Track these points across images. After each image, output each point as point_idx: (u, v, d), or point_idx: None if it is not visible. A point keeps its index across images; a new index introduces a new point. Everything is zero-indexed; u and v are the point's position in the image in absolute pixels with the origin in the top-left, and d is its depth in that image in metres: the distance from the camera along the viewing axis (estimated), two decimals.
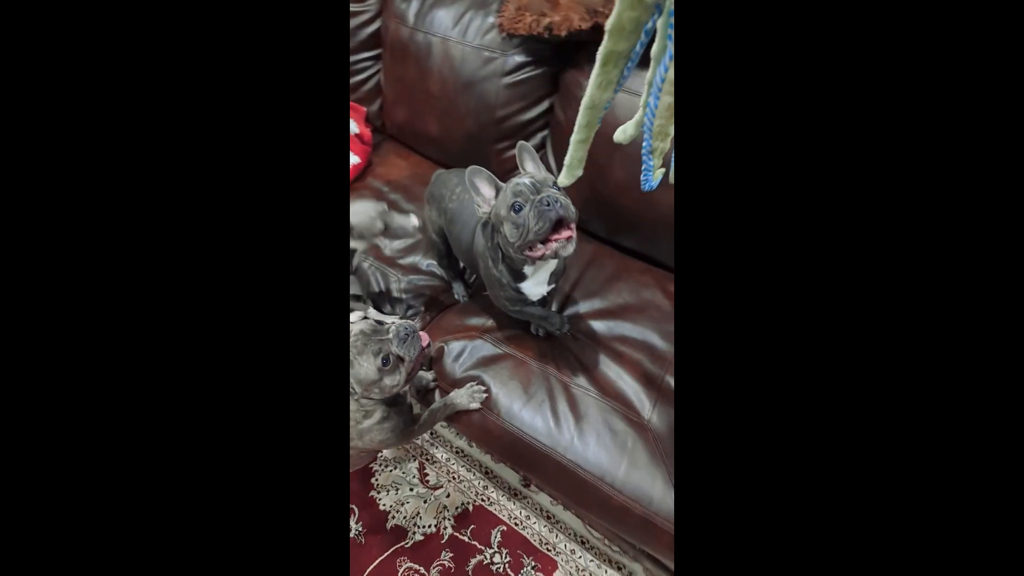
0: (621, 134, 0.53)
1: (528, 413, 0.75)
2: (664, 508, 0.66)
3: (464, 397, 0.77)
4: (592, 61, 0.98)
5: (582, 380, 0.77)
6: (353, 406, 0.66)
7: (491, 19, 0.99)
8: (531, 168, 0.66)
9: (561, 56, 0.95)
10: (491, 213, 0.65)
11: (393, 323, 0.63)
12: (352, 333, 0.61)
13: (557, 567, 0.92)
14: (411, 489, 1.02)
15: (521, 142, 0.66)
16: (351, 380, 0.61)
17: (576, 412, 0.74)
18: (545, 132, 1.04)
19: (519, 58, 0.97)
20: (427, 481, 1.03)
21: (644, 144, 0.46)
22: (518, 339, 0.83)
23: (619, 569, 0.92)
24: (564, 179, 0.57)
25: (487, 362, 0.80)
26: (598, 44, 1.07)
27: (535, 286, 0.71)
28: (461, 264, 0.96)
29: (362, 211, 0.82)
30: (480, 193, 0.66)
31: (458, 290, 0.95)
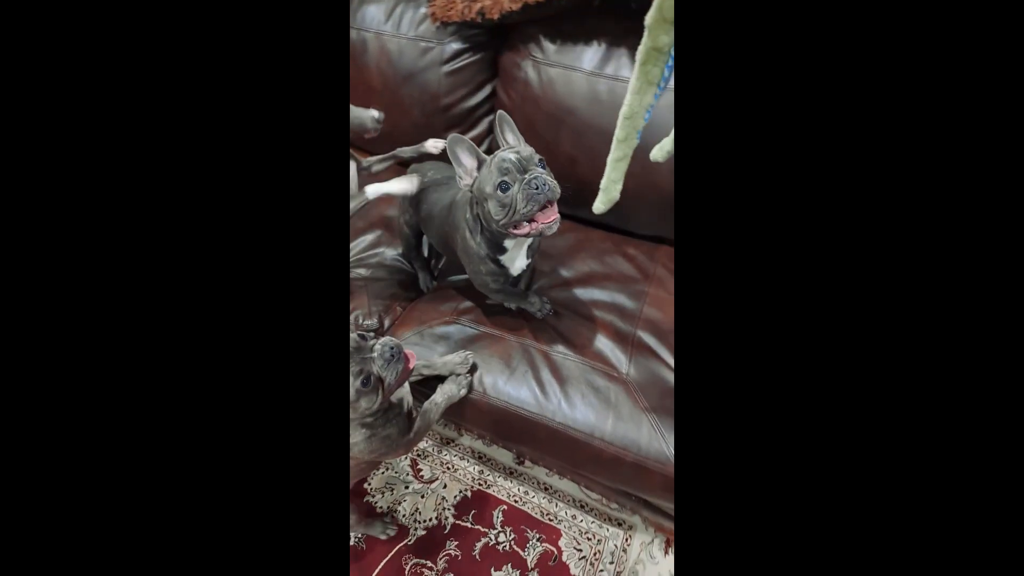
0: (659, 152, 0.50)
1: (513, 386, 0.78)
2: (652, 451, 0.71)
3: (452, 388, 0.77)
4: (526, 41, 1.01)
5: (560, 346, 0.80)
6: None
7: (423, 10, 1.00)
8: (511, 139, 0.66)
9: (497, 39, 0.98)
10: (473, 186, 0.65)
11: (377, 340, 0.60)
12: None
13: (561, 534, 0.96)
14: (406, 487, 1.02)
15: (500, 112, 0.66)
16: None
17: (559, 377, 0.77)
18: (491, 116, 1.07)
19: (456, 45, 0.99)
20: (421, 476, 1.04)
21: None
22: (493, 317, 0.85)
23: (619, 525, 0.97)
24: (599, 205, 0.52)
25: (465, 344, 0.82)
26: (532, 24, 1.10)
27: (515, 259, 0.73)
28: (426, 253, 0.98)
29: None
30: (461, 164, 0.64)
31: (424, 280, 0.96)
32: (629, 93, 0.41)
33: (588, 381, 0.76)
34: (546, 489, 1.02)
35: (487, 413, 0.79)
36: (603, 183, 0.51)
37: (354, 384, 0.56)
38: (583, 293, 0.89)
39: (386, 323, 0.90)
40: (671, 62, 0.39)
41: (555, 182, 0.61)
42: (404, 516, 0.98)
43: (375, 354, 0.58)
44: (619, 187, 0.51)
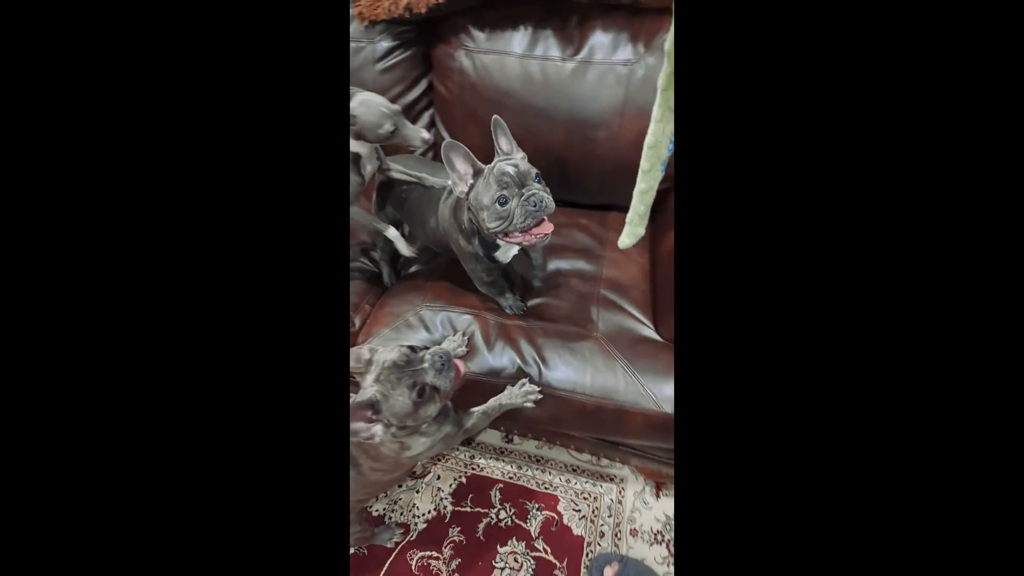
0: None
1: (493, 359, 0.82)
2: (629, 396, 0.77)
3: (518, 397, 0.78)
4: (456, 32, 1.05)
5: (531, 316, 0.86)
6: (393, 445, 0.64)
7: (349, 10, 1.02)
8: (505, 145, 0.69)
9: (426, 33, 1.02)
10: (469, 194, 0.67)
11: (427, 351, 0.63)
12: (385, 365, 0.60)
13: (559, 500, 1.01)
14: (400, 486, 1.03)
15: (495, 116, 0.68)
16: (386, 414, 0.59)
17: (535, 344, 0.82)
18: (431, 111, 1.11)
19: (386, 43, 1.02)
20: (413, 472, 1.05)
21: None
22: (462, 298, 0.89)
23: (612, 480, 1.04)
24: (625, 240, 0.52)
25: (443, 327, 0.85)
26: (460, 15, 1.16)
27: (508, 251, 0.77)
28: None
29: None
30: (456, 170, 0.66)
31: (388, 276, 0.99)
32: (652, 122, 0.41)
33: (563, 342, 0.82)
34: (537, 461, 1.07)
35: (472, 390, 0.82)
36: (629, 216, 0.51)
37: (411, 396, 0.59)
38: (547, 265, 0.94)
39: (357, 322, 0.92)
40: None
41: (551, 198, 0.65)
42: (402, 514, 1.00)
43: (426, 365, 0.61)
44: (646, 221, 0.50)
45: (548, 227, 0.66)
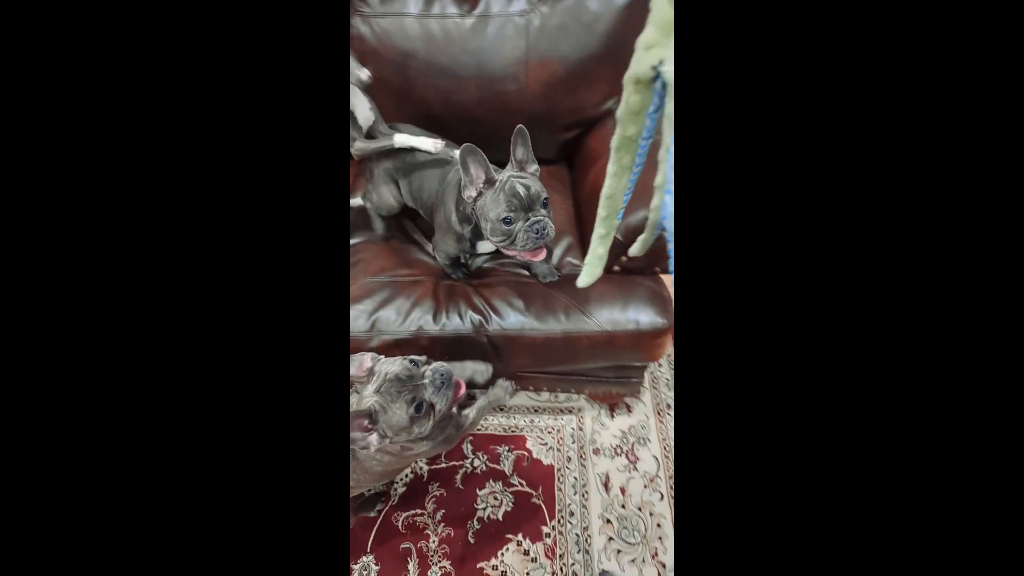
0: (639, 246, 0.57)
1: (448, 319, 0.88)
2: (572, 324, 0.88)
3: (500, 392, 0.87)
4: None
5: (474, 276, 0.93)
6: (394, 447, 0.69)
7: None
8: (520, 154, 0.73)
9: None
10: (477, 201, 0.71)
11: (428, 367, 0.66)
12: (387, 377, 0.63)
13: (526, 439, 1.12)
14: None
15: (519, 126, 0.72)
16: (383, 425, 0.62)
17: (483, 297, 0.90)
18: None
19: None
20: None
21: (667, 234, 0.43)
22: (406, 266, 0.94)
23: (570, 412, 1.17)
24: (585, 279, 0.58)
25: (392, 297, 0.90)
26: None
27: (487, 242, 0.82)
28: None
29: None
30: (469, 173, 0.71)
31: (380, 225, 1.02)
32: (608, 176, 0.48)
33: (507, 292, 0.90)
34: (501, 409, 1.17)
35: (428, 349, 0.89)
36: (587, 258, 0.58)
37: (408, 411, 0.63)
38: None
39: None
40: (641, 151, 0.45)
41: (553, 225, 0.71)
42: (381, 484, 1.06)
43: (427, 381, 0.65)
44: (603, 264, 0.58)
45: (543, 253, 0.73)
